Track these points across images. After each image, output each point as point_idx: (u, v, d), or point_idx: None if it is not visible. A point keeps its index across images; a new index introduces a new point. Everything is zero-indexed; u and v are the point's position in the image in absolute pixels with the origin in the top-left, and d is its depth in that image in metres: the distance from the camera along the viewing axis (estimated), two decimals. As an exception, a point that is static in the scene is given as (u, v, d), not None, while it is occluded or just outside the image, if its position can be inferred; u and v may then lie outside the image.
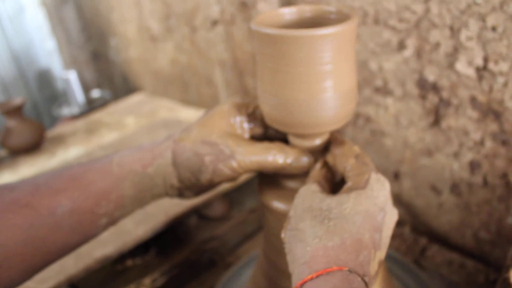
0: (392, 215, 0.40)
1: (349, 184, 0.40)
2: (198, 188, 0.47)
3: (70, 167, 0.46)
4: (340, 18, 0.42)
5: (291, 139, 0.46)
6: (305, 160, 0.45)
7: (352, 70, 0.42)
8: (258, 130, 0.49)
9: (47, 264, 0.43)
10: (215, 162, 0.44)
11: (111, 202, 0.44)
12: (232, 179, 0.46)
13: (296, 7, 0.45)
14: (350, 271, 0.33)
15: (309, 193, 0.40)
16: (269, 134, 0.50)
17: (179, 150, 0.45)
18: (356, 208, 0.37)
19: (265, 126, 0.49)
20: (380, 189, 0.39)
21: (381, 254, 0.38)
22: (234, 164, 0.44)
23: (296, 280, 0.35)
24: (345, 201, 0.37)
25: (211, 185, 0.46)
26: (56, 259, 0.44)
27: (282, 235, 0.39)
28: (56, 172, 0.45)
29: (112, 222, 0.46)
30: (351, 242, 0.35)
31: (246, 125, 0.48)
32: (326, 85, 0.39)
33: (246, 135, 0.48)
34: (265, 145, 0.45)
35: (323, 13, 0.44)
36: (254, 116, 0.48)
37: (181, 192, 0.48)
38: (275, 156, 0.44)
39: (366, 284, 0.34)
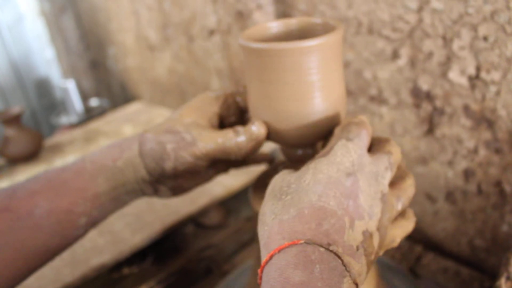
0: (372, 182, 0.35)
1: (315, 156, 0.38)
2: (168, 180, 0.47)
3: (47, 170, 0.47)
4: (326, 29, 0.42)
5: (283, 148, 0.46)
6: (255, 131, 0.43)
7: (340, 79, 0.42)
8: (233, 119, 0.49)
9: (31, 269, 0.44)
10: (177, 149, 0.44)
11: (87, 200, 0.45)
12: (196, 167, 0.45)
13: (283, 20, 0.46)
14: (307, 242, 0.30)
15: (277, 176, 0.38)
16: (245, 121, 0.50)
17: (144, 140, 0.46)
18: (316, 177, 0.34)
19: (240, 113, 0.50)
20: (344, 155, 0.36)
21: (365, 224, 0.33)
22: (195, 150, 0.44)
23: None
24: (304, 173, 0.35)
25: (177, 175, 0.46)
26: (40, 264, 0.44)
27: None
28: (33, 176, 0.46)
29: (92, 222, 0.46)
30: (310, 211, 0.32)
31: (218, 116, 0.48)
32: (314, 95, 0.40)
33: (214, 124, 0.48)
34: (224, 130, 0.45)
35: (309, 25, 0.45)
36: (227, 105, 0.49)
37: (155, 187, 0.48)
38: (230, 137, 0.44)
39: (334, 253, 0.31)
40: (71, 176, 0.45)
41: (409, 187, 0.39)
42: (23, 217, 0.42)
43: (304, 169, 0.36)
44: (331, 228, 0.31)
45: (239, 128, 0.44)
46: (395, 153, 0.38)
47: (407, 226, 0.39)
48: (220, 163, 0.51)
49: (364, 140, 0.38)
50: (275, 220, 0.33)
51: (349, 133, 0.37)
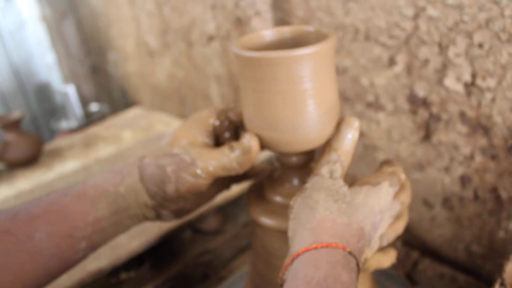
0: (385, 223, 0.43)
1: (363, 179, 0.43)
2: (170, 204, 0.47)
3: (48, 194, 0.47)
4: (319, 37, 0.43)
5: (278, 155, 0.47)
6: (246, 144, 0.44)
7: (333, 87, 0.43)
8: (227, 135, 0.50)
9: None
10: (177, 171, 0.44)
11: (88, 224, 0.45)
12: (198, 187, 0.45)
13: (276, 29, 0.46)
14: (350, 252, 0.36)
15: (332, 179, 0.42)
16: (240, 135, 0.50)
17: (144, 166, 0.46)
18: (366, 200, 0.40)
19: (234, 129, 0.50)
20: (385, 194, 0.42)
21: (368, 252, 0.42)
22: (196, 170, 0.44)
23: (298, 245, 0.37)
24: (358, 192, 0.41)
25: (179, 196, 0.46)
26: (39, 287, 0.44)
27: (291, 202, 0.42)
28: (34, 199, 0.46)
29: (92, 246, 0.46)
30: (356, 227, 0.38)
31: (212, 134, 0.49)
32: (308, 103, 0.40)
33: (209, 142, 0.48)
34: (221, 147, 0.45)
35: (303, 33, 0.45)
36: (220, 122, 0.49)
37: (157, 212, 0.48)
38: (226, 154, 0.44)
39: (359, 269, 0.36)
40: (72, 201, 0.45)
41: (400, 227, 0.46)
42: (23, 241, 0.42)
43: (357, 188, 0.42)
44: (362, 247, 0.38)
45: (234, 144, 0.44)
46: (406, 203, 0.46)
47: (383, 261, 0.46)
48: (222, 180, 0.52)
49: (396, 190, 0.45)
50: (329, 215, 0.38)
51: (392, 180, 0.44)
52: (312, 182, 0.42)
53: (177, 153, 0.45)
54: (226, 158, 0.44)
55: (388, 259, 0.46)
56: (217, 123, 0.49)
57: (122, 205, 0.46)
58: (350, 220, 0.38)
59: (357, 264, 0.36)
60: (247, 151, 0.43)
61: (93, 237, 0.45)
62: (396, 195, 0.44)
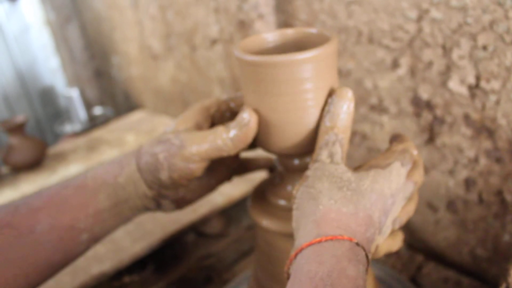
0: (398, 207, 0.41)
1: (371, 162, 0.41)
2: (169, 192, 0.47)
3: (49, 187, 0.47)
4: (321, 40, 0.43)
5: (280, 158, 0.46)
6: (246, 117, 0.42)
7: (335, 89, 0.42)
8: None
9: (32, 286, 0.43)
10: (168, 157, 0.43)
11: (89, 216, 0.44)
12: (191, 172, 0.44)
13: (279, 31, 0.46)
14: (357, 243, 0.34)
15: (333, 164, 0.40)
16: None
17: (140, 155, 0.46)
18: (373, 186, 0.38)
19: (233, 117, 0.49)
20: (396, 176, 0.40)
21: (380, 239, 0.40)
22: (184, 152, 0.43)
23: (302, 238, 0.35)
24: (364, 178, 0.38)
25: (175, 184, 0.45)
26: (41, 280, 0.44)
27: (294, 192, 0.40)
28: (35, 193, 0.46)
29: (94, 238, 0.46)
30: (363, 216, 0.36)
31: (211, 124, 0.48)
32: (309, 106, 0.40)
33: (206, 128, 0.47)
34: (214, 127, 0.44)
35: (305, 35, 0.45)
36: (221, 112, 0.48)
37: (157, 202, 0.48)
38: (220, 133, 0.42)
39: (368, 260, 0.35)
40: (72, 193, 0.45)
41: (411, 209, 0.43)
42: (24, 234, 0.42)
43: (363, 173, 0.39)
44: (370, 237, 0.37)
45: (229, 123, 0.43)
46: (419, 182, 0.43)
47: (392, 245, 0.43)
48: (222, 170, 0.51)
49: (408, 169, 0.42)
50: (334, 205, 0.36)
51: (404, 159, 0.42)
52: (313, 169, 0.39)
53: (169, 139, 0.44)
54: (220, 137, 0.42)
55: (396, 243, 0.44)
56: (217, 113, 0.48)
57: (122, 196, 0.46)
58: (356, 208, 0.36)
59: (366, 255, 0.35)
60: (245, 124, 0.42)
61: (94, 229, 0.45)
62: (409, 174, 0.42)
